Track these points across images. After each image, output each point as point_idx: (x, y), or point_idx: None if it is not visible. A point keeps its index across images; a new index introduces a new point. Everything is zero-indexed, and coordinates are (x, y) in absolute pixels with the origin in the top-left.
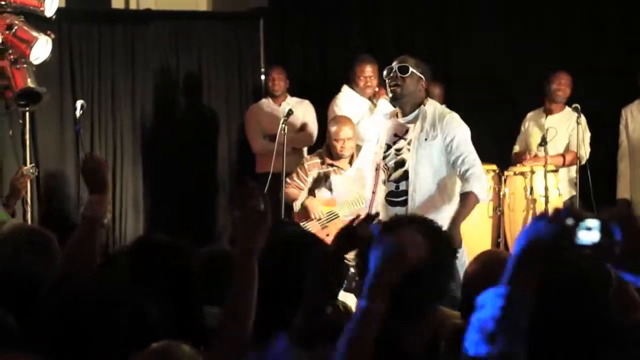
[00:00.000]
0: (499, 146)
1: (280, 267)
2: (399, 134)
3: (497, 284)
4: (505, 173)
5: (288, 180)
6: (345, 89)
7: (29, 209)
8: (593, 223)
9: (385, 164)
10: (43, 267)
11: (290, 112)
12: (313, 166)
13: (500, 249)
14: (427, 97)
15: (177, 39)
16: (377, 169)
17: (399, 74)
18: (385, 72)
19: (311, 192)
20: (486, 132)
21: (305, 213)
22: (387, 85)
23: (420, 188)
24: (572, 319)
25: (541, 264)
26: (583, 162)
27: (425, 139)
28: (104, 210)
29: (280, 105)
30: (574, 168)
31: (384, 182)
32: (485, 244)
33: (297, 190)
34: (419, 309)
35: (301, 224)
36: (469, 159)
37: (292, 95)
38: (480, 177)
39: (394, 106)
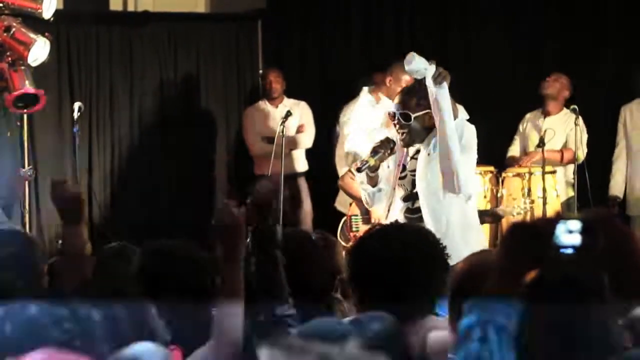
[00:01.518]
0: (496, 148)
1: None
2: (413, 155)
3: (483, 282)
4: (503, 174)
5: (349, 170)
6: (366, 94)
7: (26, 212)
8: (574, 225)
9: (403, 184)
10: (24, 270)
11: (289, 114)
12: None
13: (491, 250)
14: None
15: (175, 40)
16: (393, 188)
17: (402, 122)
18: (390, 115)
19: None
20: (484, 133)
21: (365, 208)
22: (395, 129)
23: (428, 201)
24: (565, 321)
25: (525, 271)
26: (580, 162)
27: (428, 154)
28: (83, 242)
29: (277, 107)
30: (571, 169)
31: (402, 200)
32: (483, 246)
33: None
34: (419, 308)
35: (355, 218)
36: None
37: (290, 97)
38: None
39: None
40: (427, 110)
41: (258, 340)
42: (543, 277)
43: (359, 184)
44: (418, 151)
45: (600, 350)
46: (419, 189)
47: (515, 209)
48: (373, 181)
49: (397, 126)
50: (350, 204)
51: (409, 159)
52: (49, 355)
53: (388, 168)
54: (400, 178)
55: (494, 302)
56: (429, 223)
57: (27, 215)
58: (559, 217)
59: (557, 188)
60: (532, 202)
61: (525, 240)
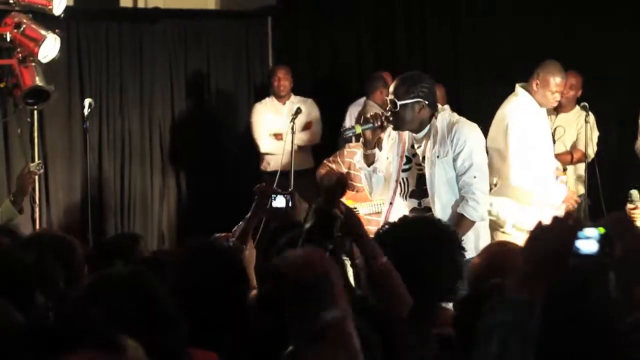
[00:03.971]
0: None
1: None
2: (415, 147)
3: (503, 275)
4: None
5: (325, 162)
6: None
7: (37, 207)
8: (591, 232)
9: (406, 178)
10: (64, 272)
11: (299, 111)
12: (352, 154)
13: (506, 241)
14: (435, 110)
15: (185, 37)
16: (397, 180)
17: (392, 109)
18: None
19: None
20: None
21: None
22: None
23: (441, 205)
24: (575, 324)
25: (548, 271)
26: (590, 159)
27: (438, 156)
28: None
29: (284, 104)
30: (582, 167)
31: (405, 197)
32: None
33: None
34: (425, 308)
35: None
36: (467, 178)
37: (301, 94)
38: (477, 201)
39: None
40: (418, 99)
41: None
42: (563, 281)
43: (356, 164)
44: (420, 146)
45: (609, 347)
46: (440, 191)
47: None
48: (369, 160)
49: (389, 112)
50: None
51: (412, 150)
52: (90, 356)
53: (387, 160)
54: (404, 170)
55: (515, 303)
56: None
57: (37, 210)
58: (579, 223)
59: (567, 186)
60: None
61: (548, 245)
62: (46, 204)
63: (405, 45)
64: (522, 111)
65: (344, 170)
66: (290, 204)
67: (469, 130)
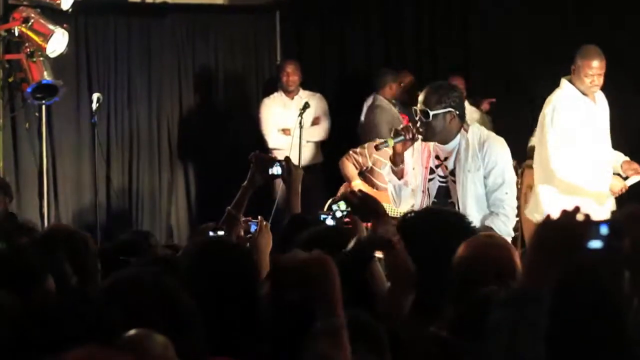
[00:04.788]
0: (517, 139)
1: None
2: (441, 158)
3: (487, 267)
4: (523, 165)
5: (351, 152)
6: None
7: (45, 203)
8: (602, 227)
9: (428, 189)
10: (77, 268)
11: (307, 106)
12: (381, 151)
13: (493, 234)
14: (464, 122)
15: (193, 31)
16: (423, 191)
17: (422, 119)
18: (413, 112)
19: (365, 172)
20: (504, 124)
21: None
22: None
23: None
24: (587, 323)
25: (556, 264)
26: None
27: (469, 171)
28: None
29: (292, 98)
30: None
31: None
32: None
33: (353, 166)
34: (431, 301)
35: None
36: (500, 194)
37: (309, 88)
38: (508, 217)
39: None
40: (449, 109)
41: None
42: (571, 275)
43: (385, 176)
44: (446, 158)
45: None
46: (471, 206)
47: None
48: (398, 175)
49: (418, 122)
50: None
51: (435, 161)
52: (91, 352)
53: (413, 170)
54: (428, 181)
55: (524, 296)
56: None
57: (45, 207)
58: (589, 217)
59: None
60: None
61: (557, 237)
62: (54, 199)
63: (414, 39)
64: (560, 102)
65: (369, 164)
66: (286, 171)
67: (499, 147)
